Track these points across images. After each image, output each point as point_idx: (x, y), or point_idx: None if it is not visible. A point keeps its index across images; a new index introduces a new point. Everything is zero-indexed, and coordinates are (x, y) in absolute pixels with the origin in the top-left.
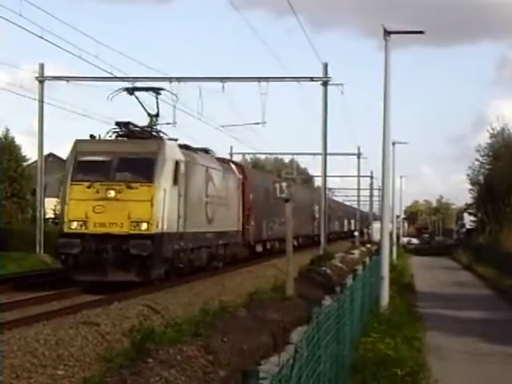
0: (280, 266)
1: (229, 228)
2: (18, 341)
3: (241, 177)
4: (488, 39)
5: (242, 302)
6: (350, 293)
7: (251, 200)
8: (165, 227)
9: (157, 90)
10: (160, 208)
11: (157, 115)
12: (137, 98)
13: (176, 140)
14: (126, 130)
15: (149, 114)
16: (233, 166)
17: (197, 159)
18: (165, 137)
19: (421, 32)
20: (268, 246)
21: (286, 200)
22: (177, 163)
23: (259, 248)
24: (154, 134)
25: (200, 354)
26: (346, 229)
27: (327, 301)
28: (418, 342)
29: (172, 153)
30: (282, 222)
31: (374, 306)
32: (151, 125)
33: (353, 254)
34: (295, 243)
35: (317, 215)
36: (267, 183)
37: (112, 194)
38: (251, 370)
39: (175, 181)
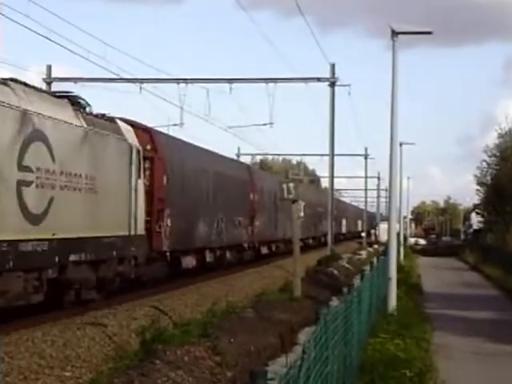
0: (287, 267)
1: (106, 232)
2: (26, 342)
3: (142, 148)
4: (495, 40)
5: (250, 303)
6: (358, 293)
7: (165, 186)
8: None
9: None
10: None
11: None
12: None
13: None
14: None
15: None
16: (123, 125)
17: None
18: None
19: (429, 32)
20: (209, 259)
21: (293, 201)
22: None
23: (189, 262)
24: None
25: (207, 354)
26: (344, 230)
27: (335, 301)
28: (425, 342)
29: None
30: (239, 222)
31: (382, 307)
32: None
33: (360, 254)
34: (266, 250)
35: (301, 213)
36: (204, 161)
37: None
38: (259, 370)
39: None
